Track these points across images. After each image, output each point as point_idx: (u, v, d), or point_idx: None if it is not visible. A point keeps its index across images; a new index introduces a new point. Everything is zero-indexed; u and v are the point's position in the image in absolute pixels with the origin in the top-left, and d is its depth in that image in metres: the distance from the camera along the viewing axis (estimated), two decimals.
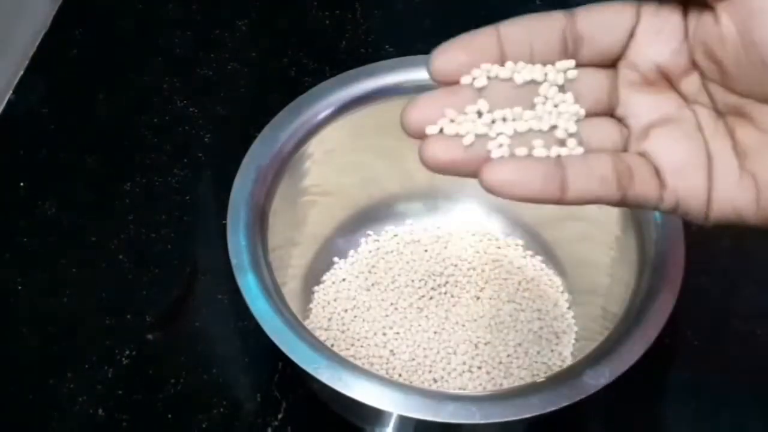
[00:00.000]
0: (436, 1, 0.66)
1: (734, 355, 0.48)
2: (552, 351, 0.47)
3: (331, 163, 0.48)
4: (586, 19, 0.26)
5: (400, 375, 0.46)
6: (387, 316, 0.48)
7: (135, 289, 0.50)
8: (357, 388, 0.36)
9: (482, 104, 0.26)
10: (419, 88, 0.47)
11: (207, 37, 0.63)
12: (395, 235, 0.52)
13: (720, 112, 0.26)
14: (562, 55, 0.27)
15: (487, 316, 0.48)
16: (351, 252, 0.51)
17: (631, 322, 0.39)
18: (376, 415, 0.43)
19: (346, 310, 0.48)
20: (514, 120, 0.26)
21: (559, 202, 0.25)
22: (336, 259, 0.51)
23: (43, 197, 0.54)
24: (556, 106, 0.26)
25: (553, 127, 0.26)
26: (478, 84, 0.26)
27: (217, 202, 0.52)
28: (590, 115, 0.27)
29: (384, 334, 0.47)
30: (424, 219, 0.52)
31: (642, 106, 0.27)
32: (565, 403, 0.36)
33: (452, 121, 0.26)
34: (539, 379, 0.38)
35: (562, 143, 0.26)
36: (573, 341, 0.48)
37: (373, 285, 0.49)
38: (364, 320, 0.48)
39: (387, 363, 0.46)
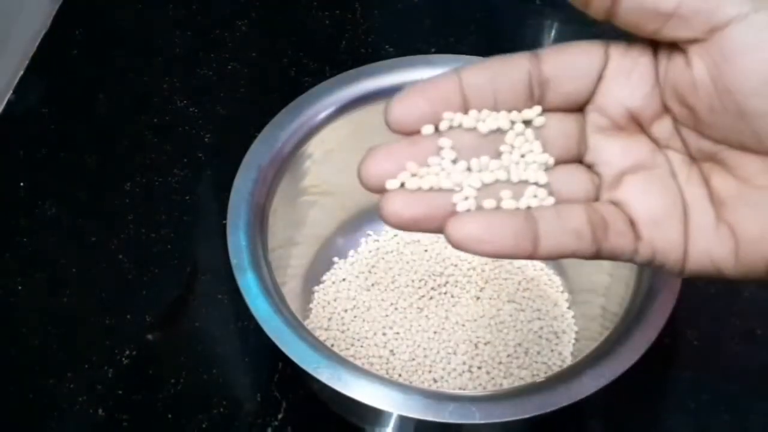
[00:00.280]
0: (436, 1, 0.66)
1: (734, 355, 0.48)
2: (552, 351, 0.47)
3: (331, 163, 0.48)
4: (552, 61, 0.25)
5: (400, 375, 0.46)
6: (387, 316, 0.48)
7: (135, 289, 0.50)
8: (357, 388, 0.36)
9: (446, 155, 0.24)
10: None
11: (207, 37, 0.63)
12: (395, 235, 0.52)
13: (694, 158, 0.25)
14: (527, 100, 0.25)
15: (487, 316, 0.48)
16: (351, 252, 0.51)
17: (631, 322, 0.39)
18: (376, 415, 0.43)
19: (346, 310, 0.48)
20: (479, 171, 0.24)
21: (531, 257, 0.24)
22: (336, 259, 0.51)
23: (43, 197, 0.54)
24: (523, 156, 0.25)
25: (523, 181, 0.25)
26: (441, 134, 0.24)
27: (217, 202, 0.52)
28: (559, 162, 0.25)
29: (384, 334, 0.47)
30: None
31: (612, 152, 0.25)
32: (565, 403, 0.36)
33: (414, 174, 0.24)
34: (539, 379, 0.38)
35: (531, 194, 0.25)
36: (573, 341, 0.48)
37: (373, 285, 0.49)
38: (364, 320, 0.48)
39: (387, 363, 0.46)
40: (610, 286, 0.45)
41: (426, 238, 0.51)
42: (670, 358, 0.48)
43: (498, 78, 0.25)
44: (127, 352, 0.48)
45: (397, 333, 0.47)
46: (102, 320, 0.49)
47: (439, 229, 0.24)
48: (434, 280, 0.49)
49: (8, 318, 0.49)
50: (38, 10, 0.63)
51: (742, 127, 0.23)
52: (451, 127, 0.25)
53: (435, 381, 0.46)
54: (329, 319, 0.48)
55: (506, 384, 0.46)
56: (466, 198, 0.24)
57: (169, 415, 0.46)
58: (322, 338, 0.46)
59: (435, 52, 0.59)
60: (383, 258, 0.51)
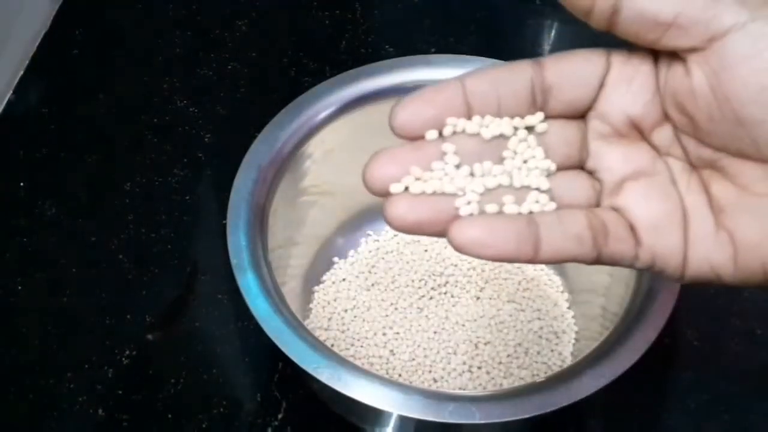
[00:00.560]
0: (436, 1, 0.66)
1: (734, 355, 0.48)
2: (552, 351, 0.47)
3: (331, 163, 0.48)
4: (554, 68, 0.25)
5: (400, 375, 0.46)
6: (387, 316, 0.48)
7: (135, 289, 0.50)
8: (357, 388, 0.36)
9: (450, 160, 0.25)
10: (419, 88, 0.47)
11: (207, 37, 0.63)
12: (395, 235, 0.52)
13: (694, 165, 0.25)
14: (530, 106, 0.26)
15: (487, 316, 0.48)
16: (351, 252, 0.51)
17: (631, 322, 0.39)
18: (376, 415, 0.43)
19: (346, 310, 0.48)
20: (482, 176, 0.25)
21: (532, 261, 0.24)
22: (336, 259, 0.51)
23: (43, 197, 0.54)
24: (525, 161, 0.25)
25: (525, 186, 0.25)
26: (444, 139, 0.25)
27: (217, 202, 0.52)
28: (561, 168, 0.26)
29: (384, 334, 0.47)
30: None
31: (614, 159, 0.26)
32: (565, 403, 0.36)
33: (417, 179, 0.25)
34: (539, 379, 0.38)
35: (533, 200, 0.25)
36: (573, 341, 0.48)
37: (373, 285, 0.49)
38: (364, 320, 0.48)
39: (387, 363, 0.46)
40: (610, 286, 0.45)
41: (426, 238, 0.51)
42: (670, 358, 0.48)
43: (501, 85, 0.25)
44: (127, 352, 0.48)
45: (397, 333, 0.47)
46: (102, 320, 0.49)
47: (442, 233, 0.24)
48: (434, 280, 0.49)
49: (8, 318, 0.49)
50: (38, 10, 0.63)
51: (741, 134, 0.23)
52: (454, 133, 0.25)
53: (435, 381, 0.46)
54: (329, 319, 0.48)
55: (506, 384, 0.46)
56: (469, 203, 0.24)
57: (169, 415, 0.46)
58: (322, 338, 0.46)
59: (435, 52, 0.59)
60: (383, 258, 0.51)
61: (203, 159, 0.56)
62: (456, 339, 0.47)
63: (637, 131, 0.26)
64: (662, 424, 0.46)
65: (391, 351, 0.47)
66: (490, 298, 0.49)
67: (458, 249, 0.24)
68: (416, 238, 0.51)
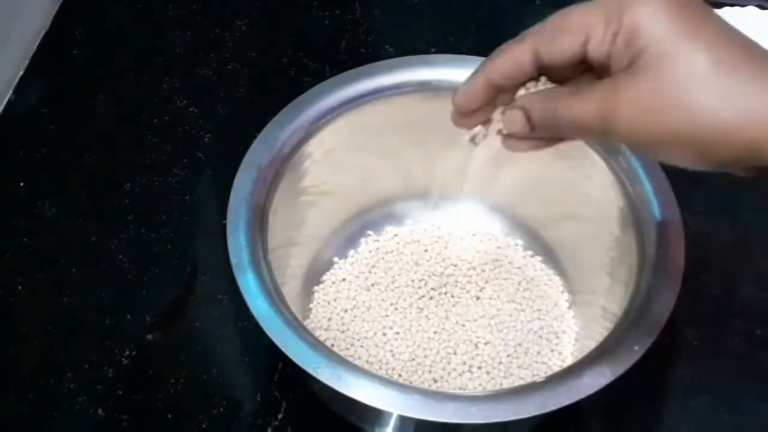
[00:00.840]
0: (436, 1, 0.66)
1: (734, 355, 0.48)
2: (552, 351, 0.47)
3: (331, 163, 0.48)
4: (547, 50, 0.32)
5: (399, 375, 0.46)
6: (387, 316, 0.48)
7: (135, 289, 0.50)
8: (357, 388, 0.36)
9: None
10: (419, 88, 0.47)
11: (207, 37, 0.63)
12: (395, 235, 0.52)
13: None
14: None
15: (487, 316, 0.48)
16: (351, 252, 0.51)
17: (631, 322, 0.39)
18: (376, 415, 0.43)
19: (346, 310, 0.48)
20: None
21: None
22: (336, 259, 0.51)
23: (43, 197, 0.54)
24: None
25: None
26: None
27: (217, 202, 0.52)
28: None
29: (384, 334, 0.47)
30: (424, 219, 0.52)
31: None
32: (565, 403, 0.36)
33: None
34: (539, 379, 0.38)
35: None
36: (573, 341, 0.48)
37: (373, 285, 0.49)
38: (364, 320, 0.48)
39: (387, 363, 0.46)
40: (610, 286, 0.45)
41: (426, 238, 0.51)
42: (670, 358, 0.48)
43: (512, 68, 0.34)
44: (127, 352, 0.48)
45: (397, 333, 0.47)
46: (102, 320, 0.49)
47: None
48: (434, 280, 0.49)
49: (8, 318, 0.49)
50: (38, 10, 0.63)
51: None
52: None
53: (435, 381, 0.46)
54: (329, 319, 0.48)
55: (506, 384, 0.46)
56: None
57: (169, 415, 0.46)
58: (322, 338, 0.46)
59: (435, 52, 0.60)
60: (383, 258, 0.51)
61: (203, 159, 0.56)
62: (456, 339, 0.47)
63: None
64: (662, 424, 0.46)
65: (391, 351, 0.47)
66: (490, 298, 0.49)
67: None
68: (416, 238, 0.51)
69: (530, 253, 0.51)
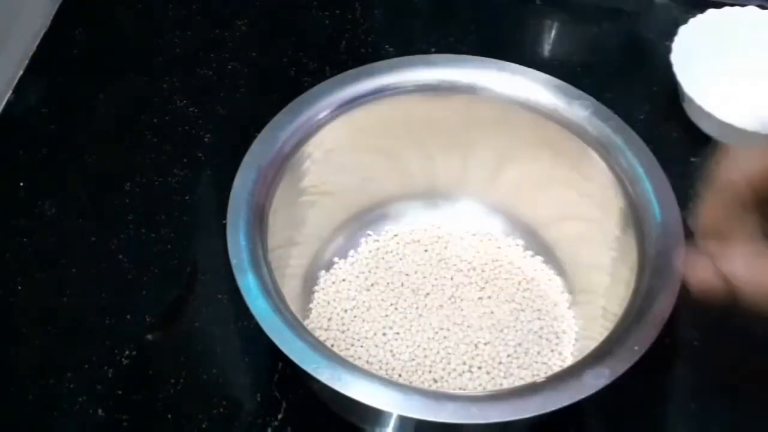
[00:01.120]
0: (436, 1, 0.66)
1: (734, 355, 0.48)
2: (552, 351, 0.47)
3: (331, 163, 0.48)
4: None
5: (399, 375, 0.46)
6: (387, 316, 0.48)
7: (135, 289, 0.50)
8: (357, 388, 0.36)
9: None
10: (419, 88, 0.48)
11: (207, 37, 0.63)
12: (395, 235, 0.52)
13: None
14: None
15: (487, 316, 0.48)
16: (351, 252, 0.51)
17: (631, 322, 0.39)
18: (376, 415, 0.43)
19: (346, 310, 0.48)
20: None
21: None
22: (336, 259, 0.51)
23: (43, 197, 0.54)
24: None
25: None
26: None
27: (217, 202, 0.52)
28: None
29: (384, 334, 0.47)
30: (424, 219, 0.52)
31: None
32: (565, 403, 0.36)
33: None
34: (539, 379, 0.38)
35: None
36: (573, 341, 0.48)
37: (373, 285, 0.49)
38: (364, 320, 0.48)
39: (387, 363, 0.46)
40: (610, 286, 0.45)
41: (426, 238, 0.51)
42: (670, 358, 0.48)
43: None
44: (127, 352, 0.48)
45: (397, 333, 0.47)
46: (102, 320, 0.49)
47: None
48: (434, 280, 0.49)
49: (8, 318, 0.49)
50: (38, 10, 0.63)
51: None
52: None
53: (435, 381, 0.46)
54: (329, 319, 0.48)
55: (506, 384, 0.46)
56: None
57: (169, 415, 0.46)
58: (322, 338, 0.46)
59: (435, 52, 0.60)
60: (383, 258, 0.51)
61: (203, 159, 0.56)
62: (456, 339, 0.47)
63: None
64: (662, 424, 0.46)
65: (391, 351, 0.47)
66: (490, 298, 0.49)
67: None
68: (416, 237, 0.51)
69: (530, 253, 0.51)
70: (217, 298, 0.50)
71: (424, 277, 0.50)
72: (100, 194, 0.55)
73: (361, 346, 0.47)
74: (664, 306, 0.39)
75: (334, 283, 0.50)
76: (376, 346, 0.47)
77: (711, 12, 0.59)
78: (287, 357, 0.37)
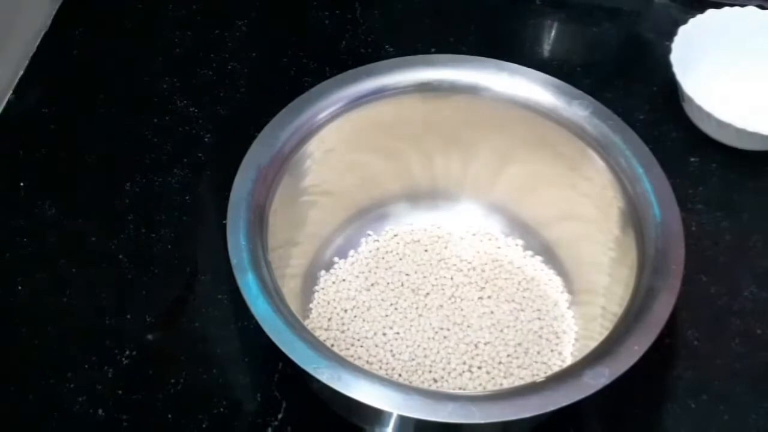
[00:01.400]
0: (435, 1, 0.66)
1: (734, 355, 0.48)
2: (552, 351, 0.47)
3: (331, 163, 0.48)
4: None
5: (399, 375, 0.46)
6: (387, 316, 0.48)
7: (135, 289, 0.50)
8: (357, 388, 0.36)
9: None
10: (419, 88, 0.48)
11: (207, 37, 0.63)
12: (395, 235, 0.52)
13: None
14: None
15: (487, 316, 0.48)
16: (351, 252, 0.51)
17: (631, 322, 0.39)
18: (376, 415, 0.43)
19: (346, 310, 0.48)
20: None
21: None
22: (336, 259, 0.51)
23: (43, 197, 0.54)
24: None
25: None
26: None
27: (217, 202, 0.52)
28: None
29: (384, 334, 0.47)
30: (424, 219, 0.52)
31: None
32: (565, 403, 0.36)
33: None
34: (539, 379, 0.38)
35: None
36: (573, 341, 0.48)
37: (373, 285, 0.49)
38: (364, 320, 0.48)
39: (387, 363, 0.46)
40: (610, 286, 0.45)
41: (426, 238, 0.51)
42: (670, 358, 0.48)
43: None
44: (127, 352, 0.48)
45: (397, 333, 0.47)
46: (102, 320, 0.49)
47: None
48: (434, 280, 0.49)
49: (8, 318, 0.49)
50: (38, 10, 0.63)
51: None
52: None
53: (435, 381, 0.46)
54: (329, 319, 0.48)
55: (506, 384, 0.46)
56: None
57: (169, 415, 0.46)
58: (322, 338, 0.46)
59: (435, 52, 0.59)
60: (383, 258, 0.51)
61: (203, 159, 0.56)
62: (456, 339, 0.47)
63: None
64: (662, 424, 0.46)
65: (391, 351, 0.47)
66: (490, 298, 0.49)
67: None
68: (416, 237, 0.51)
69: (530, 253, 0.51)
70: (217, 298, 0.50)
71: (424, 277, 0.50)
72: (100, 194, 0.55)
73: (361, 346, 0.47)
74: (664, 306, 0.39)
75: (334, 283, 0.50)
76: (376, 346, 0.47)
77: (711, 12, 0.59)
78: (287, 357, 0.37)
